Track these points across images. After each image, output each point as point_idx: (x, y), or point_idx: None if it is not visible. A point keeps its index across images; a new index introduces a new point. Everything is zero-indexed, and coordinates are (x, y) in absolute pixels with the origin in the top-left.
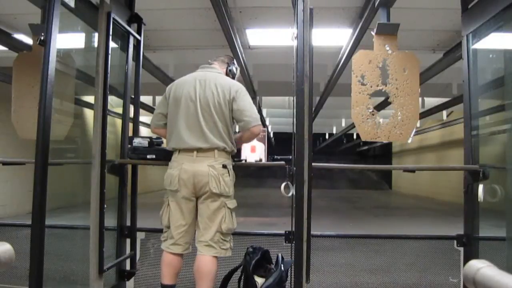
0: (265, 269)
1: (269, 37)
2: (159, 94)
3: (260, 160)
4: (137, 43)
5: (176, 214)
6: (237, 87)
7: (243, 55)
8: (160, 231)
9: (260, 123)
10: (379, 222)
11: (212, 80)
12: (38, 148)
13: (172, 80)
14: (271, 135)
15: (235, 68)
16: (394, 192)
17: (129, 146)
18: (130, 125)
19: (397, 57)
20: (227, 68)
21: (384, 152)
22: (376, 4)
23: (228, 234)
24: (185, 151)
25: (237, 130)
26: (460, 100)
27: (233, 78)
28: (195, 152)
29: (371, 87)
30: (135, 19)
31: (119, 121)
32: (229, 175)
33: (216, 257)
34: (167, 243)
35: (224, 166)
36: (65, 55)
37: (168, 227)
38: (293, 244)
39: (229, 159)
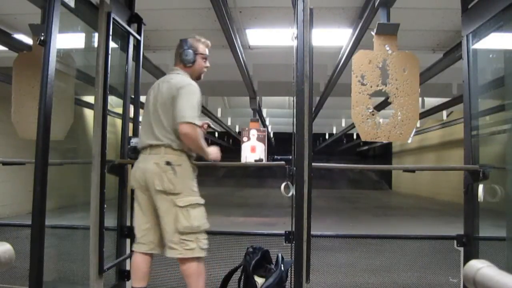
0: (265, 269)
1: (269, 37)
2: None
3: (260, 160)
4: (137, 43)
5: (138, 213)
6: (182, 85)
7: (243, 55)
8: None
9: (193, 121)
10: (379, 222)
11: (166, 81)
12: (38, 148)
13: None
14: (271, 135)
15: (186, 50)
16: (394, 192)
17: (129, 146)
18: (130, 125)
19: (397, 57)
20: (180, 57)
21: (384, 152)
22: (376, 4)
23: (191, 234)
24: (142, 149)
25: None
26: (460, 100)
27: (190, 62)
28: (148, 150)
29: (371, 87)
30: (135, 19)
31: (119, 121)
32: (173, 171)
33: (189, 258)
34: (134, 243)
35: (168, 163)
36: (65, 55)
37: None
38: (293, 244)
39: (177, 156)
